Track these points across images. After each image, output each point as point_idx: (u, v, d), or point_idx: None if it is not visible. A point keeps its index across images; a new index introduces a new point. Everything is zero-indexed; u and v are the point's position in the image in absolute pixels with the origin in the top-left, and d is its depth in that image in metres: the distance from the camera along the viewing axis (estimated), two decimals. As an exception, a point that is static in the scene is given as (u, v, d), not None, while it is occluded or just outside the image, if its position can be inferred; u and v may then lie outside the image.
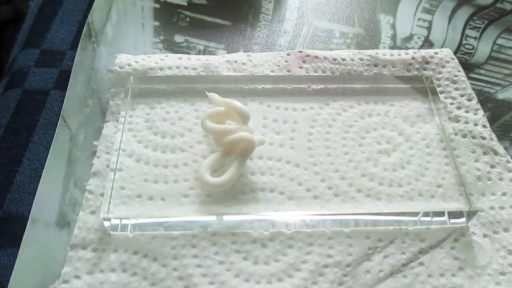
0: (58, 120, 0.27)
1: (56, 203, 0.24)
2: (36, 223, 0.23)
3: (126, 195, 0.24)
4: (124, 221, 0.23)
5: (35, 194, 0.24)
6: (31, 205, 0.24)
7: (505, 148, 0.27)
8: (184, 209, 0.23)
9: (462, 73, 0.30)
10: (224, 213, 0.23)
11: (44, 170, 0.25)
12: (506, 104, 0.30)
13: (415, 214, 0.24)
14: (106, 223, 0.23)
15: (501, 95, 0.31)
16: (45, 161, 0.25)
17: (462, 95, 0.29)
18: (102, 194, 0.24)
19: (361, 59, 0.31)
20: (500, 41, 0.35)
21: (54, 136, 0.26)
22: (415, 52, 0.31)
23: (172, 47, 0.33)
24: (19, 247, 0.22)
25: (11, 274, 0.21)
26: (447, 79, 0.30)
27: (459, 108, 0.28)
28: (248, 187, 0.24)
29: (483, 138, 0.27)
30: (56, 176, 0.25)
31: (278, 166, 0.25)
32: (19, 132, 0.27)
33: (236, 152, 0.24)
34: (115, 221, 0.23)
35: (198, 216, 0.23)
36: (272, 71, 0.30)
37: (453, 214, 0.24)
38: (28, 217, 0.23)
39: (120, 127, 0.26)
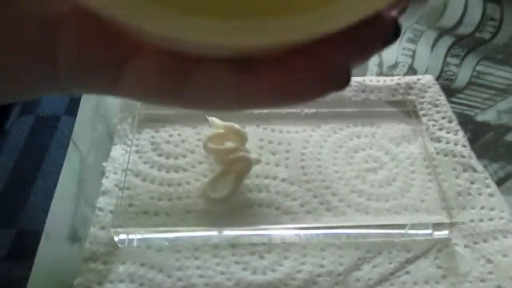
0: (69, 143, 0.29)
1: (68, 219, 0.26)
2: (50, 238, 0.25)
3: (133, 212, 0.25)
4: (131, 236, 0.25)
5: (48, 211, 0.26)
6: (44, 222, 0.25)
7: (484, 166, 0.29)
8: (187, 224, 0.25)
9: (443, 97, 0.33)
10: (224, 228, 0.25)
11: (56, 189, 0.27)
12: (485, 125, 0.33)
13: (402, 226, 0.25)
14: (115, 238, 0.24)
15: (480, 118, 0.33)
16: (58, 181, 0.27)
17: (443, 118, 0.31)
18: (111, 211, 0.26)
19: (349, 85, 0.33)
20: (479, 67, 0.37)
21: (66, 158, 0.28)
22: (399, 79, 0.34)
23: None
24: (33, 260, 0.24)
25: (26, 286, 0.23)
26: (429, 103, 0.32)
27: (440, 129, 0.31)
28: (246, 203, 0.26)
29: (463, 156, 0.29)
30: (68, 194, 0.27)
31: (274, 184, 0.27)
32: (32, 155, 0.29)
33: (235, 171, 0.26)
34: (123, 236, 0.24)
35: (200, 230, 0.25)
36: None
37: (436, 227, 0.25)
38: (42, 232, 0.25)
39: (128, 149, 0.28)
